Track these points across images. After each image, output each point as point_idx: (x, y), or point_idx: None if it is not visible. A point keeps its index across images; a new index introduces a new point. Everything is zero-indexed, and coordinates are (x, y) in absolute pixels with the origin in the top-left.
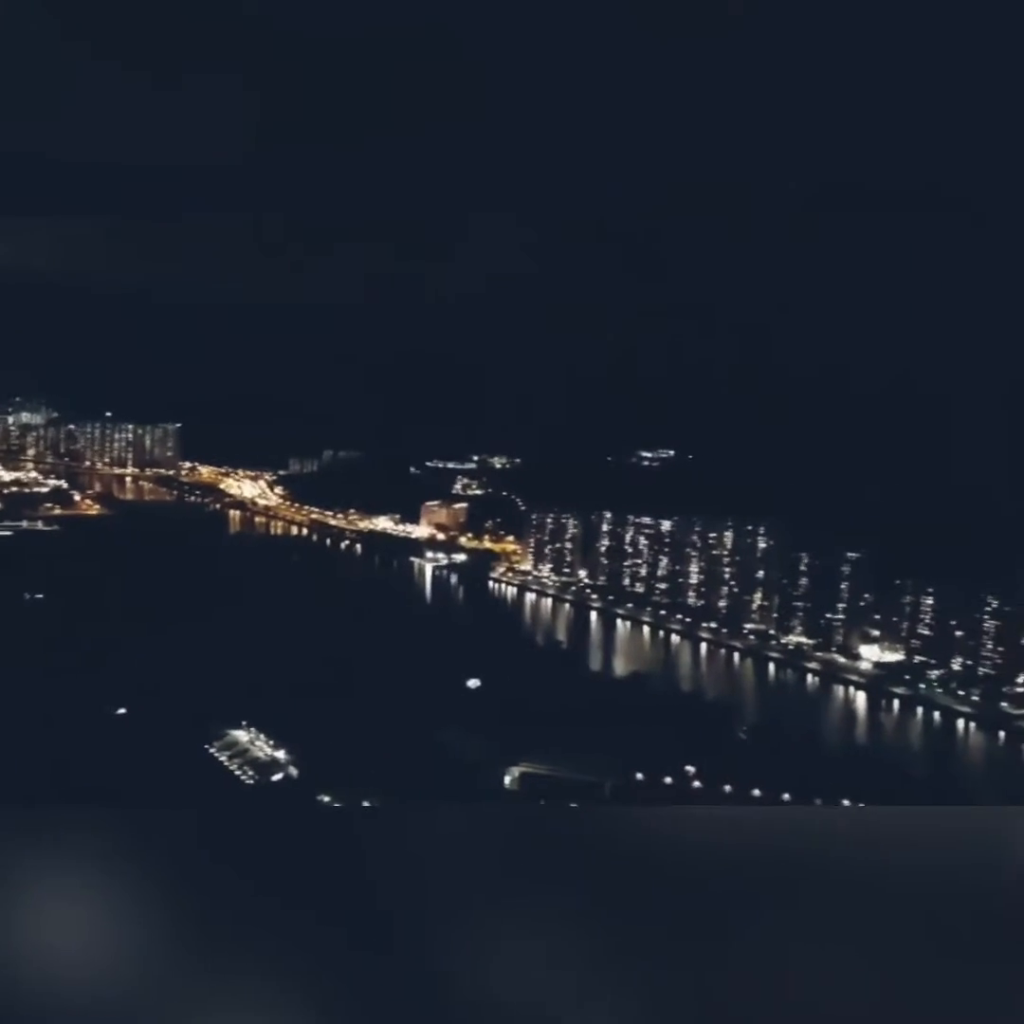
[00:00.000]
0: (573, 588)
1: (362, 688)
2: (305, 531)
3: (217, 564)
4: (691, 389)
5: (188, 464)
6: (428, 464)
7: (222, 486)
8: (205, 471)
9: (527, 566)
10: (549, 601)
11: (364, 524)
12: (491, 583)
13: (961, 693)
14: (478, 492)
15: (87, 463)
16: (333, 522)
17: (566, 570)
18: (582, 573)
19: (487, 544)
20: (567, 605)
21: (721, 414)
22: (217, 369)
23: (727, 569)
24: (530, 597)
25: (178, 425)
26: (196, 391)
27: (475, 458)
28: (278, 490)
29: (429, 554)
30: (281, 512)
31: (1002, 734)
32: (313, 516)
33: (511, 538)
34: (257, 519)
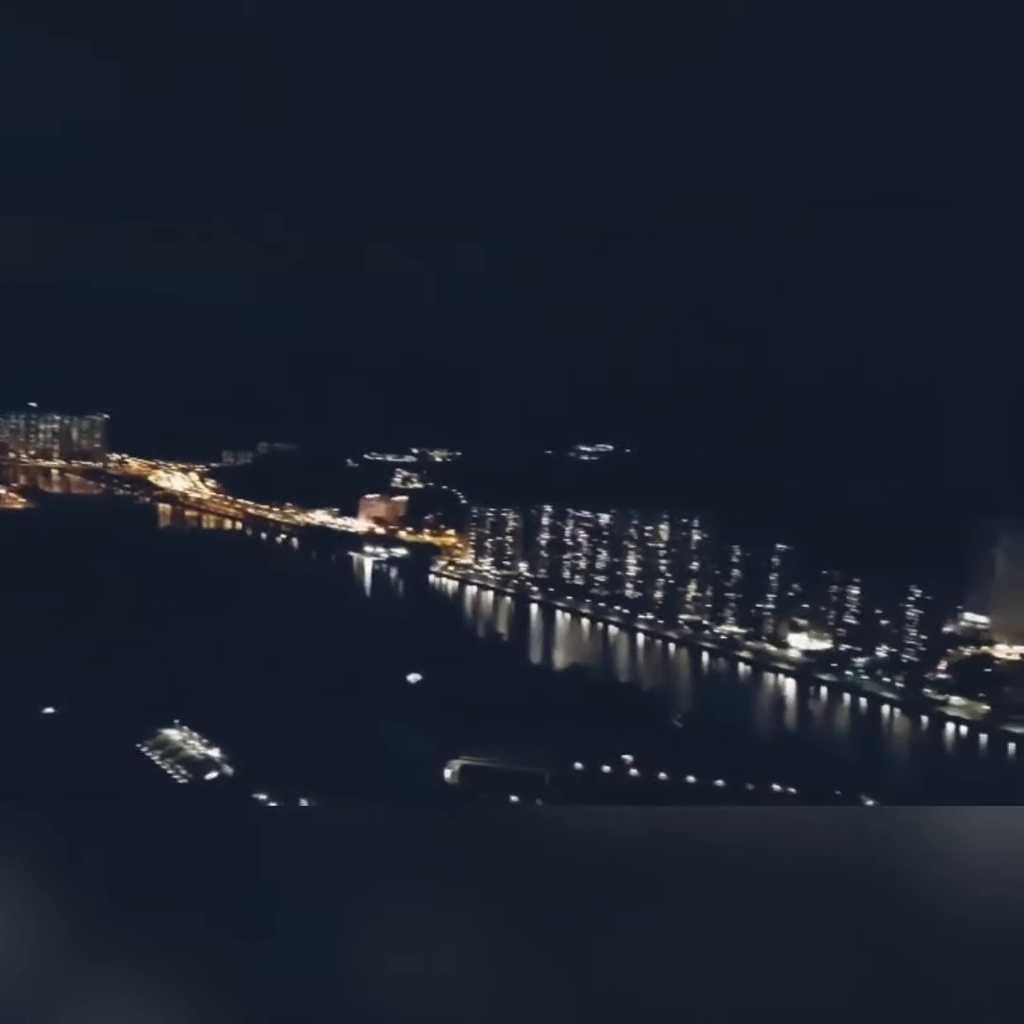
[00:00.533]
0: (514, 581)
1: (301, 684)
2: (239, 525)
3: (147, 559)
4: (629, 385)
5: (117, 456)
6: (366, 457)
7: (152, 479)
8: (134, 464)
9: (468, 560)
10: (490, 594)
11: (301, 518)
12: (432, 577)
13: (886, 680)
14: (418, 485)
15: (11, 455)
16: (269, 516)
17: (507, 563)
18: (522, 566)
19: (427, 538)
20: (508, 598)
21: (658, 409)
22: (147, 359)
23: (663, 561)
24: (471, 590)
25: (106, 416)
26: (125, 381)
27: (415, 451)
28: (210, 483)
29: (369, 548)
30: (213, 506)
31: (925, 719)
32: (248, 510)
33: (452, 532)
34: (188, 513)
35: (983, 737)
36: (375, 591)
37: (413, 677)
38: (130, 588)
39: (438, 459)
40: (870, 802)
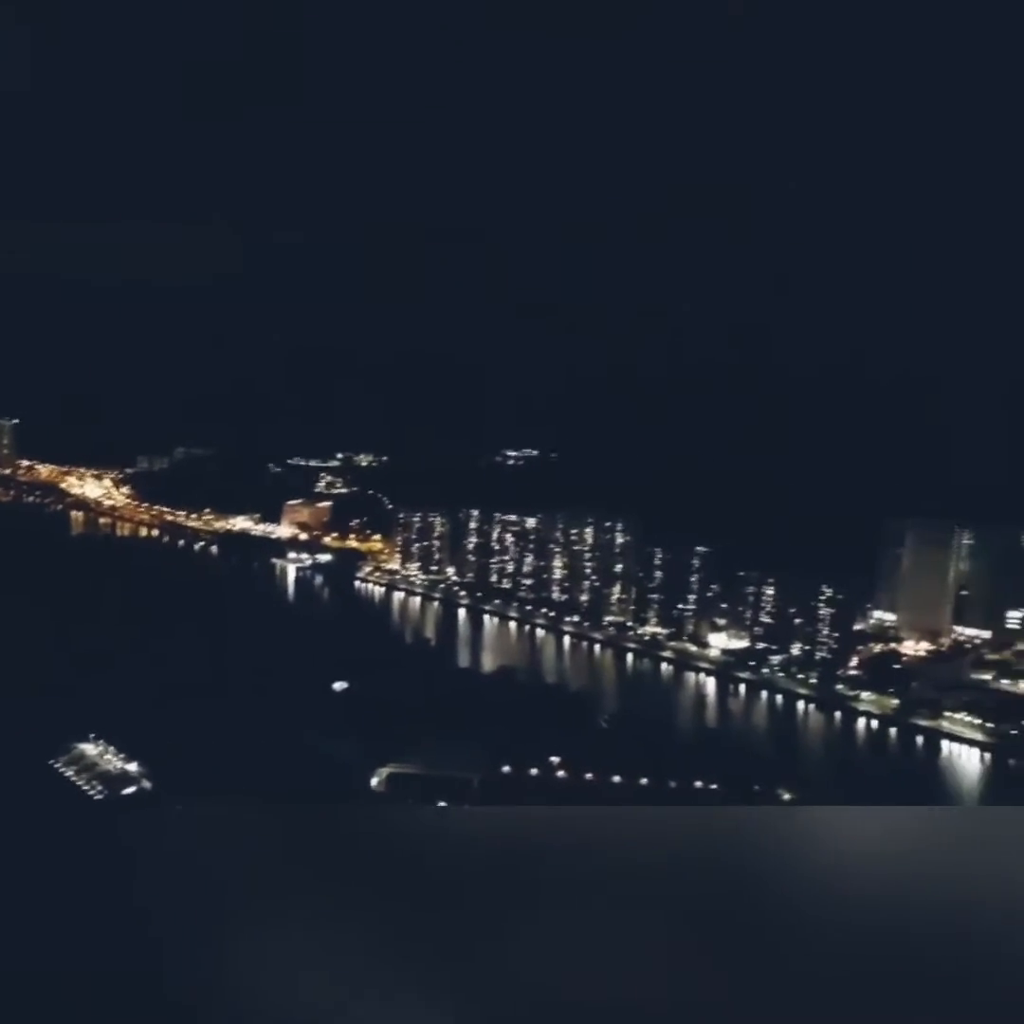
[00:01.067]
0: (441, 586)
1: (222, 695)
2: (156, 532)
3: (58, 568)
4: (555, 390)
5: (26, 462)
6: (289, 462)
7: (63, 486)
8: (44, 470)
9: (394, 565)
10: (417, 600)
11: (220, 524)
12: (357, 583)
13: (800, 676)
14: (342, 490)
15: None
16: (186, 523)
17: (434, 568)
18: (450, 571)
19: (353, 543)
20: (435, 603)
21: (582, 414)
22: (57, 362)
23: (588, 564)
24: (398, 596)
25: (14, 421)
26: (33, 385)
27: (339, 456)
28: (125, 489)
29: (292, 555)
30: (128, 513)
31: (838, 714)
32: (164, 516)
33: (378, 537)
34: (102, 520)
35: (892, 731)
36: (299, 598)
37: (338, 685)
38: (40, 598)
39: (363, 463)
40: (787, 796)
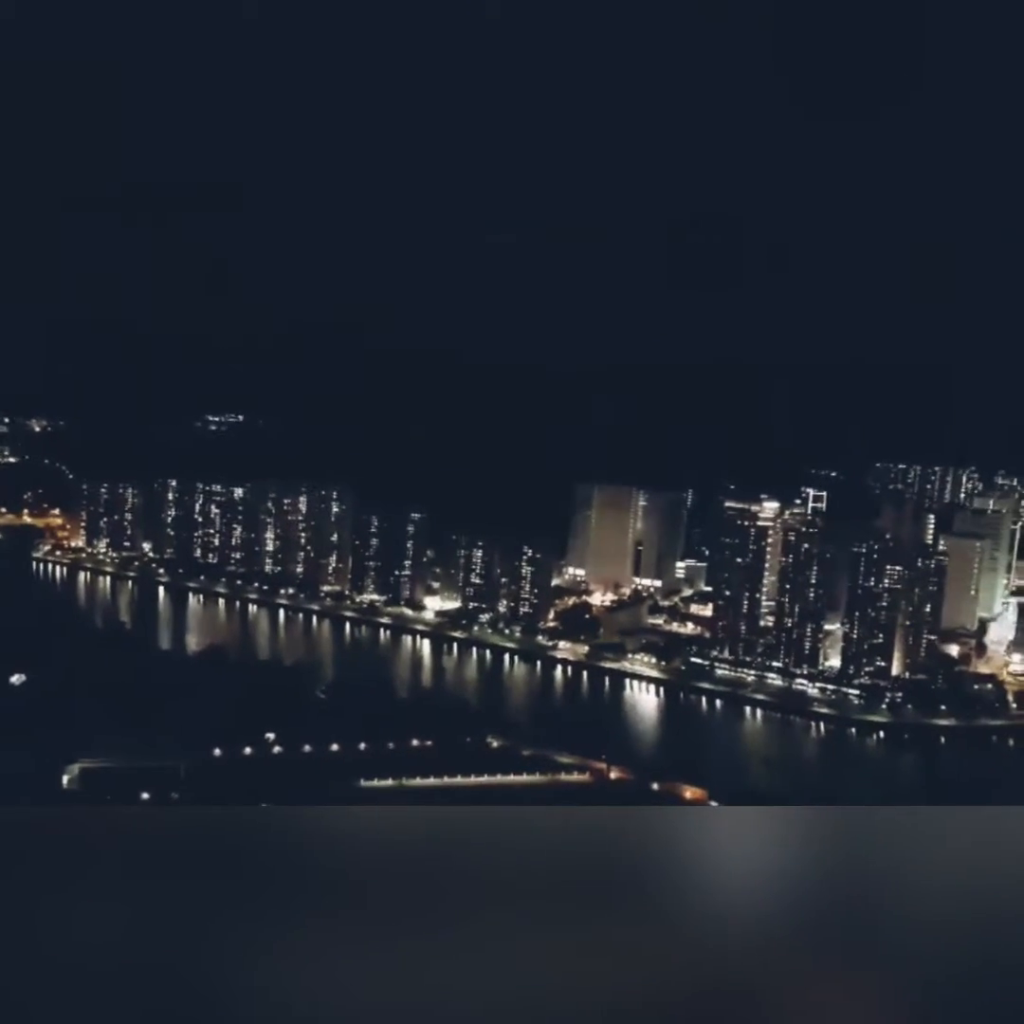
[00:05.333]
0: (136, 563)
1: None
2: None
3: None
4: (256, 353)
5: None
6: None
7: None
8: None
9: (79, 542)
10: (108, 579)
11: None
12: (34, 563)
13: (507, 631)
14: (11, 460)
15: None
16: None
17: (127, 544)
18: (146, 546)
19: (26, 519)
20: (130, 582)
21: (287, 378)
22: None
23: (303, 534)
24: (84, 576)
25: None
26: None
27: (5, 421)
28: None
29: None
30: None
31: (539, 663)
32: None
33: (57, 511)
34: None
35: (585, 674)
36: None
37: (16, 678)
38: None
39: (36, 429)
40: (495, 744)
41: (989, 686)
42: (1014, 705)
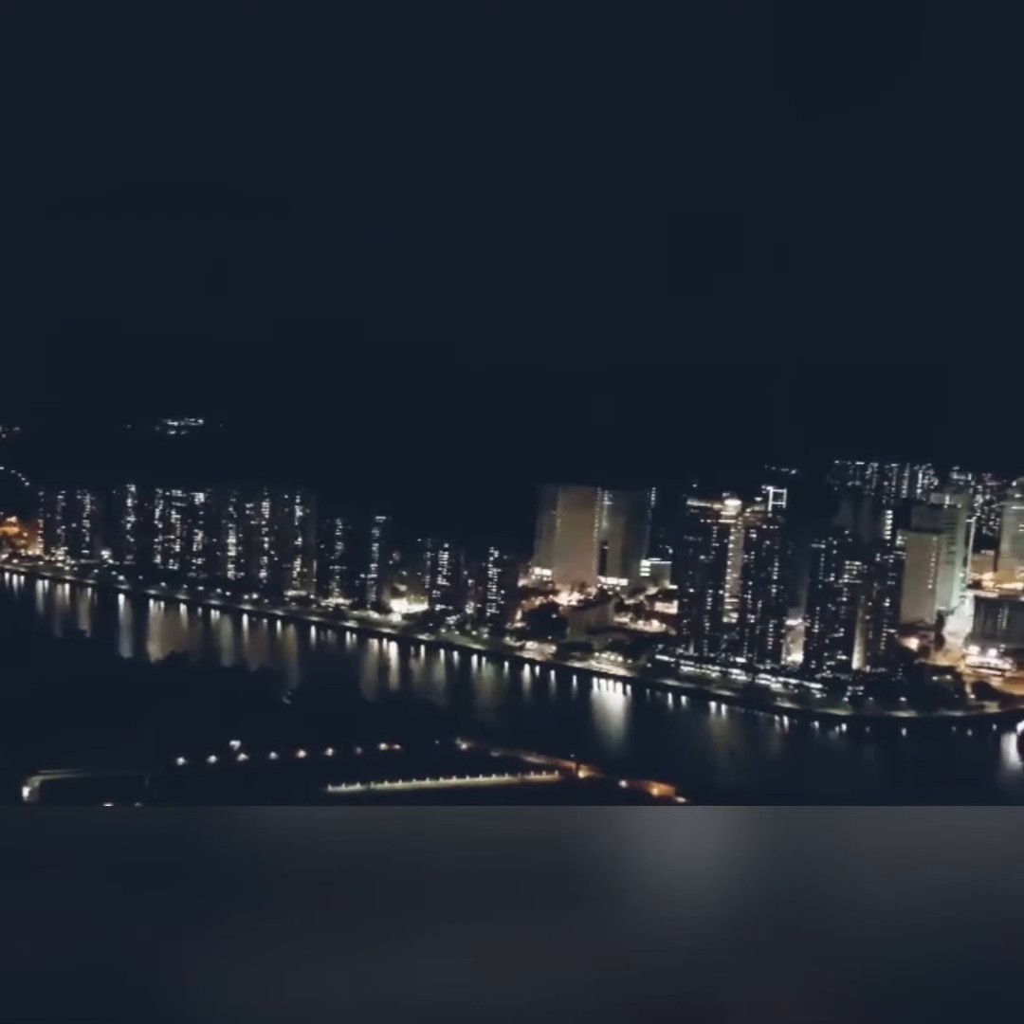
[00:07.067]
0: (95, 571)
1: None
2: None
3: None
4: (220, 355)
5: None
6: None
7: None
8: None
9: (36, 550)
10: (67, 587)
11: None
12: None
13: (474, 633)
14: None
15: None
16: None
17: (86, 551)
18: (105, 553)
19: None
20: (90, 590)
21: (251, 382)
22: None
23: (266, 539)
24: (42, 585)
25: None
26: None
27: None
28: None
29: None
30: None
31: (507, 664)
32: None
33: (13, 519)
34: None
35: (552, 674)
36: None
37: None
38: None
39: None
40: (465, 746)
41: (948, 678)
42: (972, 696)
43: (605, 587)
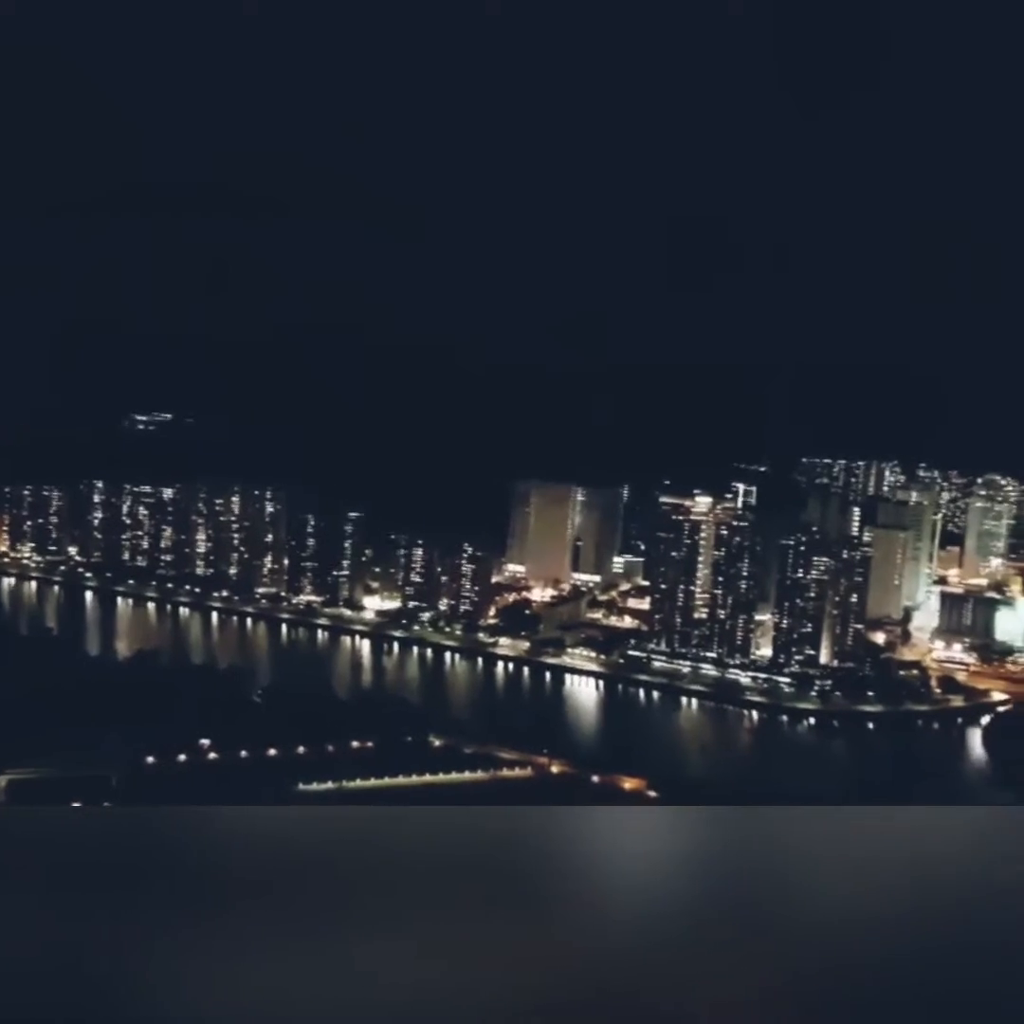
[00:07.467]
0: (62, 568)
1: None
2: None
3: None
4: (189, 349)
5: None
6: None
7: None
8: None
9: (2, 547)
10: (33, 585)
11: None
12: None
13: (447, 629)
14: None
15: None
16: None
17: (52, 548)
18: (72, 550)
19: None
20: (56, 587)
21: (221, 376)
22: None
23: (236, 535)
24: (8, 582)
25: None
26: None
27: None
28: None
29: None
30: None
31: (480, 660)
32: None
33: None
34: None
35: (525, 670)
36: None
37: None
38: None
39: None
40: (438, 742)
41: (914, 672)
42: (937, 690)
43: (578, 583)
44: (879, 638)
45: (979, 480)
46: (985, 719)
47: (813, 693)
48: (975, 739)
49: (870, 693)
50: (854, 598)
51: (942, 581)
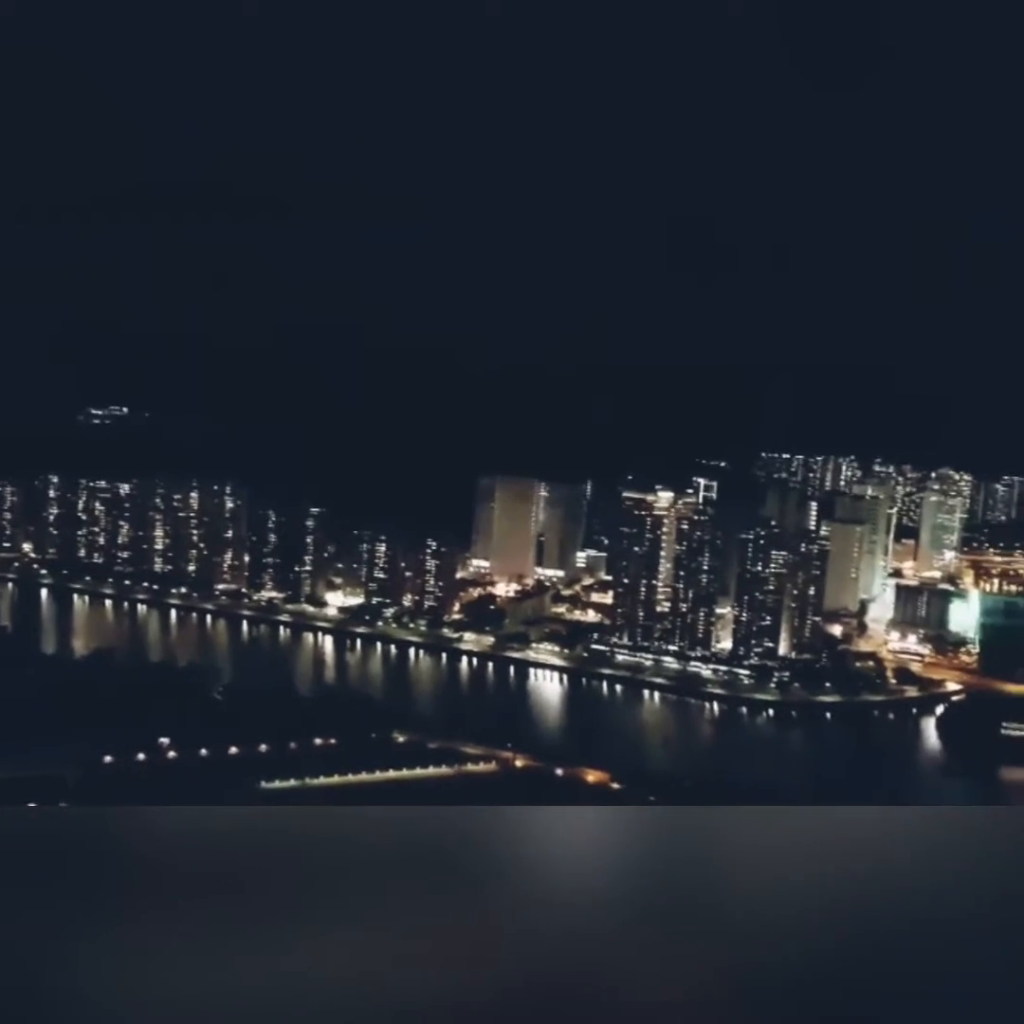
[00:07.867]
0: (16, 564)
1: None
2: None
3: None
4: (146, 343)
5: None
6: None
7: None
8: None
9: None
10: None
11: None
12: None
13: (411, 625)
14: None
15: None
16: None
17: (6, 545)
18: (27, 547)
19: None
20: (10, 584)
21: (180, 370)
22: None
23: (195, 531)
24: None
25: None
26: None
27: None
28: None
29: None
30: None
31: (444, 656)
32: None
33: None
34: None
35: (490, 665)
36: None
37: None
38: None
39: None
40: (402, 739)
41: (870, 663)
42: (893, 681)
43: (542, 578)
44: (836, 630)
45: (933, 475)
46: (939, 709)
47: (772, 685)
48: (930, 728)
49: (827, 684)
50: (812, 591)
51: (897, 574)
